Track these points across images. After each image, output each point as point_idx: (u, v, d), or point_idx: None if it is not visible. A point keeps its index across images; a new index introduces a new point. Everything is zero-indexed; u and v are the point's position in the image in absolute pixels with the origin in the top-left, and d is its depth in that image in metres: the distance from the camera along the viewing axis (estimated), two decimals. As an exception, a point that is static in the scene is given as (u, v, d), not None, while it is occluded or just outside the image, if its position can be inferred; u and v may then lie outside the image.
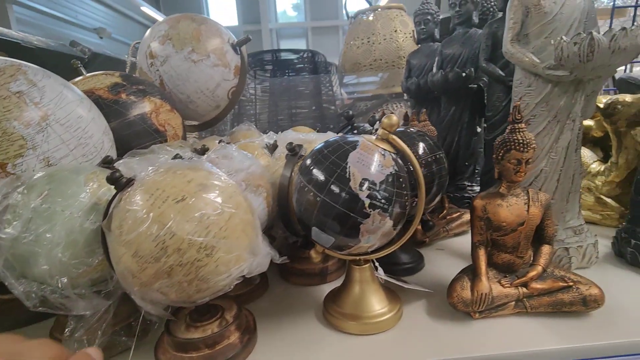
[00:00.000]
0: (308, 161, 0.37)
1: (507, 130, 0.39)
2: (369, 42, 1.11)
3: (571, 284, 0.38)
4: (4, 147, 0.36)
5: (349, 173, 0.33)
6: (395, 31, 1.09)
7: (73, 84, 0.60)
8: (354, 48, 1.15)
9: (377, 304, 0.40)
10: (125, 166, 0.35)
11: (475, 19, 0.73)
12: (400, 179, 0.35)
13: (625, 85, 0.73)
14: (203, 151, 0.48)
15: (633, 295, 0.42)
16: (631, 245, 0.48)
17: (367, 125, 0.61)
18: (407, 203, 0.36)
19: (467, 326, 0.38)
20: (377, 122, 0.53)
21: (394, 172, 0.34)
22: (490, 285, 0.39)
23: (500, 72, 0.61)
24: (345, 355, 0.36)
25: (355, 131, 0.61)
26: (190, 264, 0.28)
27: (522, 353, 0.35)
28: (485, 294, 0.38)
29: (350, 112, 0.60)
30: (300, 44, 6.09)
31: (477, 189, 0.75)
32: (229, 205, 0.30)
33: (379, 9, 1.14)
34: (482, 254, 0.41)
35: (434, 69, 0.77)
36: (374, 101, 1.16)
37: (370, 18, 1.14)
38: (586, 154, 0.69)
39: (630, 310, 0.39)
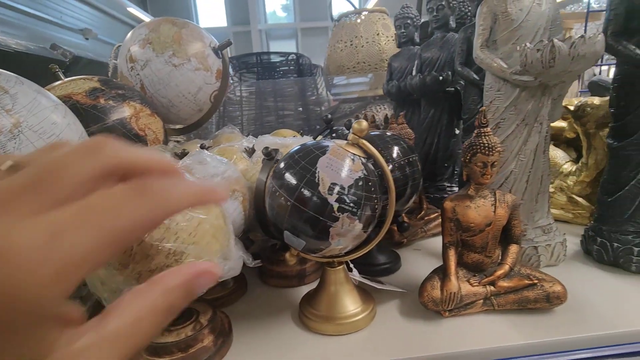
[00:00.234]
0: (280, 166, 0.37)
1: (474, 135, 0.41)
2: (352, 44, 1.13)
3: (536, 281, 0.40)
4: (-25, 154, 0.36)
5: (318, 178, 0.34)
6: (378, 34, 1.11)
7: (51, 89, 0.60)
8: (337, 50, 1.16)
9: (351, 305, 0.41)
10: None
11: (453, 24, 0.75)
12: (370, 183, 0.36)
13: (596, 87, 0.76)
14: (183, 155, 0.49)
15: (596, 292, 0.43)
16: (597, 243, 0.50)
17: (345, 128, 0.62)
18: (376, 206, 0.37)
19: (437, 324, 0.40)
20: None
21: (362, 176, 0.35)
22: (460, 284, 0.40)
23: (475, 76, 0.63)
24: (318, 355, 0.37)
25: (334, 135, 0.62)
26: (159, 270, 0.28)
27: (488, 349, 0.36)
28: (454, 293, 0.39)
29: (329, 116, 0.61)
30: (290, 45, 6.10)
31: (457, 189, 0.76)
32: (198, 211, 0.31)
33: (362, 12, 1.16)
34: (452, 254, 0.42)
35: (414, 72, 0.79)
36: (358, 103, 1.17)
37: (354, 21, 1.15)
38: (559, 154, 0.71)
39: (593, 305, 0.41)
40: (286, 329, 0.41)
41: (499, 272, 0.41)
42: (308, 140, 0.49)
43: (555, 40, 0.40)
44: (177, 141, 0.87)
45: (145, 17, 4.42)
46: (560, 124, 0.75)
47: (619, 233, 0.49)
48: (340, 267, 0.42)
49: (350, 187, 0.34)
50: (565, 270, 0.49)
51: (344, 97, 1.23)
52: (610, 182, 0.50)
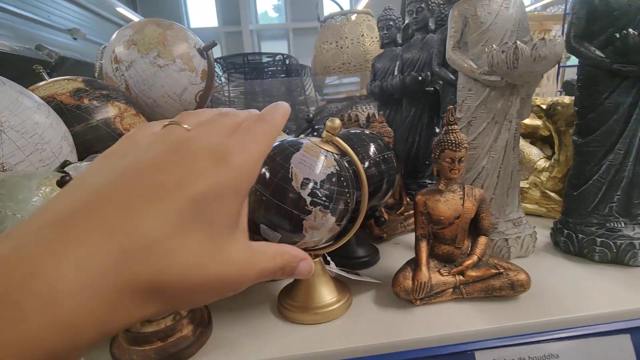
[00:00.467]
0: (257, 163, 0.39)
1: (442, 132, 0.43)
2: (337, 45, 1.15)
3: (502, 270, 0.42)
4: (-42, 153, 0.37)
5: (292, 173, 0.36)
6: (363, 35, 1.13)
7: (34, 90, 0.61)
8: (323, 51, 1.18)
9: (327, 295, 0.43)
10: (76, 170, 0.36)
11: (432, 25, 0.77)
12: (342, 178, 0.38)
13: (571, 87, 0.79)
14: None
15: (560, 280, 0.46)
16: (564, 235, 0.53)
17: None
18: (349, 200, 0.39)
19: (409, 312, 0.42)
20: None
21: (335, 171, 0.37)
22: (430, 274, 0.42)
23: (452, 76, 0.65)
24: (296, 344, 0.38)
25: (315, 133, 0.64)
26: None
27: (455, 333, 0.38)
28: (424, 282, 0.41)
29: (311, 115, 0.63)
30: (282, 46, 6.10)
31: (437, 186, 0.79)
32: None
33: (347, 14, 1.18)
34: (423, 246, 0.44)
35: (396, 72, 0.81)
36: (345, 103, 1.19)
37: (339, 22, 1.17)
38: (534, 151, 0.74)
39: (555, 292, 0.43)
40: (264, 319, 0.42)
41: (468, 262, 0.43)
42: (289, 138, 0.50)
43: (519, 42, 0.43)
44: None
45: (135, 17, 4.38)
46: (536, 122, 0.78)
47: (583, 225, 0.51)
48: (317, 259, 0.43)
49: (322, 182, 0.36)
50: (534, 261, 0.51)
51: (330, 97, 1.25)
52: (575, 177, 0.53)
